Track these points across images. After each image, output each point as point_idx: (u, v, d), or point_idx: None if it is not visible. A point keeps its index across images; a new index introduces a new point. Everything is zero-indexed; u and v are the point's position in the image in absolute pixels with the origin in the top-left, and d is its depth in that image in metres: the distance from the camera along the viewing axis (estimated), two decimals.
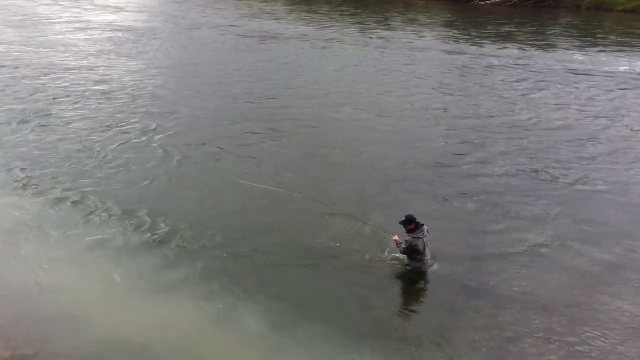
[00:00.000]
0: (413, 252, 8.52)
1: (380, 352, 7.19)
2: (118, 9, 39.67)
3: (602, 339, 7.44)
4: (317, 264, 8.99)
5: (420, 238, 8.44)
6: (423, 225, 8.52)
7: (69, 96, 17.76)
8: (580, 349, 7.27)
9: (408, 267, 8.72)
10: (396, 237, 8.73)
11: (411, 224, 8.49)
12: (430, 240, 8.69)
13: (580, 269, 8.98)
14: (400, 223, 8.57)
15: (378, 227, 9.44)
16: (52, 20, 33.46)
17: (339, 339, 7.34)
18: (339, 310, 7.93)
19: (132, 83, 19.62)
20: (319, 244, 9.48)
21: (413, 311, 8.17)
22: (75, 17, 35.34)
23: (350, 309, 7.98)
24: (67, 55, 23.93)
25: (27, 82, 19.26)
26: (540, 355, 7.16)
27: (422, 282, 8.63)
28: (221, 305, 7.99)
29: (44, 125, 15.06)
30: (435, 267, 8.78)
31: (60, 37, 28.22)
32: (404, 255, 8.70)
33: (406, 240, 8.50)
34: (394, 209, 10.31)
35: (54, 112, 16.19)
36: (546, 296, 8.27)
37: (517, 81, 20.76)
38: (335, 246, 9.36)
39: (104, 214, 10.37)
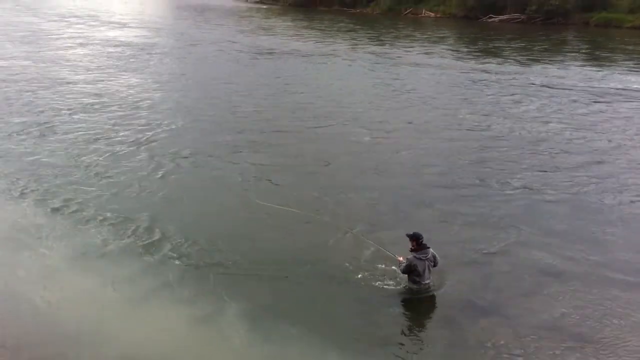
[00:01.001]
0: (411, 272, 8.28)
1: None
2: (121, 25, 39.96)
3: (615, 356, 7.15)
4: (322, 280, 8.78)
5: (422, 260, 8.18)
6: (429, 248, 8.29)
7: (68, 109, 17.74)
8: None
9: (406, 287, 8.46)
10: (401, 258, 8.50)
11: (415, 240, 8.26)
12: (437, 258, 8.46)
13: (593, 288, 8.64)
14: (407, 235, 8.43)
15: (383, 246, 9.14)
16: (56, 36, 33.72)
17: (344, 355, 7.17)
18: (343, 326, 7.75)
19: (130, 97, 19.55)
20: (322, 259, 9.27)
21: (419, 328, 7.94)
22: (80, 33, 35.61)
23: (354, 324, 7.79)
24: (69, 69, 23.95)
25: (28, 95, 19.30)
26: None
27: (429, 299, 8.36)
28: (222, 319, 7.82)
29: (43, 136, 15.07)
30: (443, 284, 8.55)
31: (63, 52, 28.37)
32: (404, 275, 8.47)
33: (407, 258, 8.27)
34: (398, 226, 10.08)
35: (54, 124, 16.17)
36: (556, 314, 7.98)
37: (512, 95, 20.59)
38: (340, 263, 9.12)
39: (100, 224, 10.27)
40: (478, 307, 8.12)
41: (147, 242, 9.64)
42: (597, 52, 31.28)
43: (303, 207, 10.82)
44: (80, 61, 25.95)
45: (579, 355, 7.15)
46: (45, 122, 16.25)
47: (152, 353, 7.21)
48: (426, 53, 30.28)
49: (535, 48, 32.32)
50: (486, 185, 12.40)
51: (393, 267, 8.73)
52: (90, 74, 23.17)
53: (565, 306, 8.14)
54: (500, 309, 8.10)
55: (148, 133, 15.46)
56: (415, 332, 7.80)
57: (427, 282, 8.29)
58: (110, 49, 29.40)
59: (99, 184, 12.02)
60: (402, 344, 7.44)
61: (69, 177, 12.41)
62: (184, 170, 12.96)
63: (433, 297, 8.35)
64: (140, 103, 18.68)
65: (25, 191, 11.68)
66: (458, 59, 28.73)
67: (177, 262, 9.10)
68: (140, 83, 21.80)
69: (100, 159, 13.48)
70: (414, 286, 8.31)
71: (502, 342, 7.36)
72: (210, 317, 7.86)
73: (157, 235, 9.83)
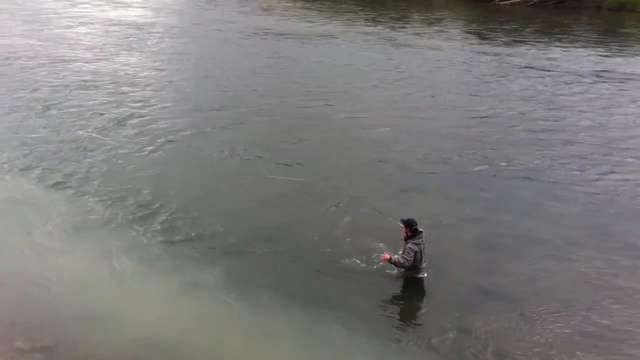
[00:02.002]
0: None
1: (390, 351, 7.12)
2: (126, 5, 39.85)
3: (621, 342, 7.25)
4: (317, 256, 8.87)
5: (419, 245, 8.18)
6: (422, 232, 8.27)
7: (66, 86, 18.04)
8: (600, 349, 7.09)
9: (402, 271, 8.33)
10: (386, 256, 8.34)
11: (409, 227, 8.21)
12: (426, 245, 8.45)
13: (598, 269, 8.76)
14: (401, 221, 8.31)
15: (391, 217, 8.98)
16: (59, 15, 33.77)
17: (349, 337, 7.26)
18: (350, 309, 7.81)
19: (127, 75, 19.77)
20: (319, 234, 9.44)
21: (426, 311, 8.05)
22: (84, 12, 35.61)
23: (361, 308, 7.84)
24: (69, 48, 24.12)
25: (28, 73, 19.58)
26: (556, 355, 7.02)
27: (435, 283, 8.40)
28: (212, 290, 8.04)
29: (41, 113, 15.44)
30: (449, 267, 8.65)
31: (65, 30, 28.51)
32: (400, 257, 8.31)
33: (410, 248, 8.15)
34: (395, 207, 10.05)
35: (51, 101, 16.50)
36: (562, 297, 8.07)
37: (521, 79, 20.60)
38: (335, 238, 9.27)
39: (97, 198, 10.65)
40: (486, 290, 8.19)
41: (140, 216, 10.03)
42: (597, 36, 30.70)
43: (310, 182, 11.24)
44: (81, 40, 26.13)
45: (585, 337, 7.23)
46: (43, 99, 16.59)
47: (148, 324, 7.38)
48: (430, 36, 29.85)
49: (540, 30, 31.85)
50: (485, 166, 12.49)
51: (382, 264, 8.51)
52: (89, 52, 23.37)
53: (572, 290, 8.17)
54: (506, 292, 8.14)
55: (142, 111, 15.79)
56: (414, 313, 7.92)
57: (423, 265, 8.33)
58: (112, 28, 29.49)
59: (94, 160, 12.41)
60: (410, 326, 7.59)
61: (65, 152, 12.80)
62: (177, 146, 13.41)
63: (444, 279, 8.39)
64: (137, 81, 18.95)
65: (21, 167, 12.05)
66: (461, 40, 28.31)
67: (171, 235, 9.38)
68: (138, 62, 22.00)
69: (96, 135, 13.86)
70: (411, 272, 8.33)
71: (508, 326, 7.42)
72: (201, 288, 8.07)
73: (151, 210, 10.19)
